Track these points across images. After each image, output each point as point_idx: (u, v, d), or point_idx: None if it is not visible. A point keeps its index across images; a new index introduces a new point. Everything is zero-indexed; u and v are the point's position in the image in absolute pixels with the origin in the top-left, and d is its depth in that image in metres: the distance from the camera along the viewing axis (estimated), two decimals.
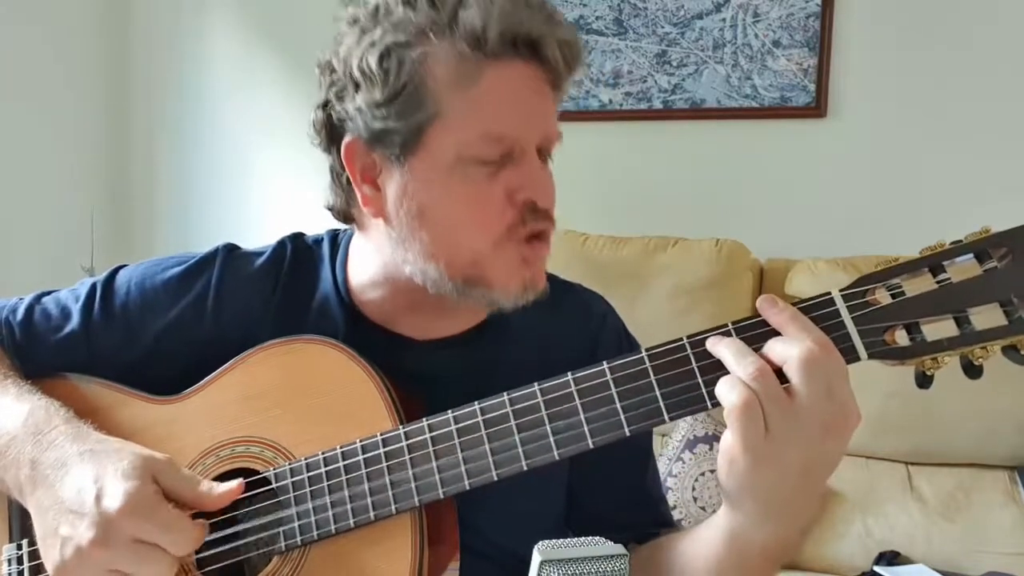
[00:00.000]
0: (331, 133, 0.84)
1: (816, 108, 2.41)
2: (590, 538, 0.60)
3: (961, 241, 0.68)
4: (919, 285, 0.68)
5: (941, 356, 0.67)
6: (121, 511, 0.70)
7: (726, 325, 0.70)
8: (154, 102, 3.11)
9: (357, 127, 0.80)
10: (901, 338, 0.68)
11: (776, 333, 0.68)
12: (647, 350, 0.71)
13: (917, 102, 2.34)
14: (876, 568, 1.91)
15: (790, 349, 0.65)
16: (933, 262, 0.68)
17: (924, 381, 0.69)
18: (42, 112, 2.83)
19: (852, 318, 0.68)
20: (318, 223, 0.98)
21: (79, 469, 0.75)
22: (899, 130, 2.37)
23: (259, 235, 1.04)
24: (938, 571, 1.87)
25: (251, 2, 2.97)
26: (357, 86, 0.79)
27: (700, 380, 0.70)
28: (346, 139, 0.82)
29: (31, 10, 2.77)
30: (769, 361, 0.66)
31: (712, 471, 2.08)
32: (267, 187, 2.99)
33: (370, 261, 0.88)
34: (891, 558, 1.94)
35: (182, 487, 0.75)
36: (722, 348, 0.68)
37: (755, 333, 0.69)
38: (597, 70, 2.60)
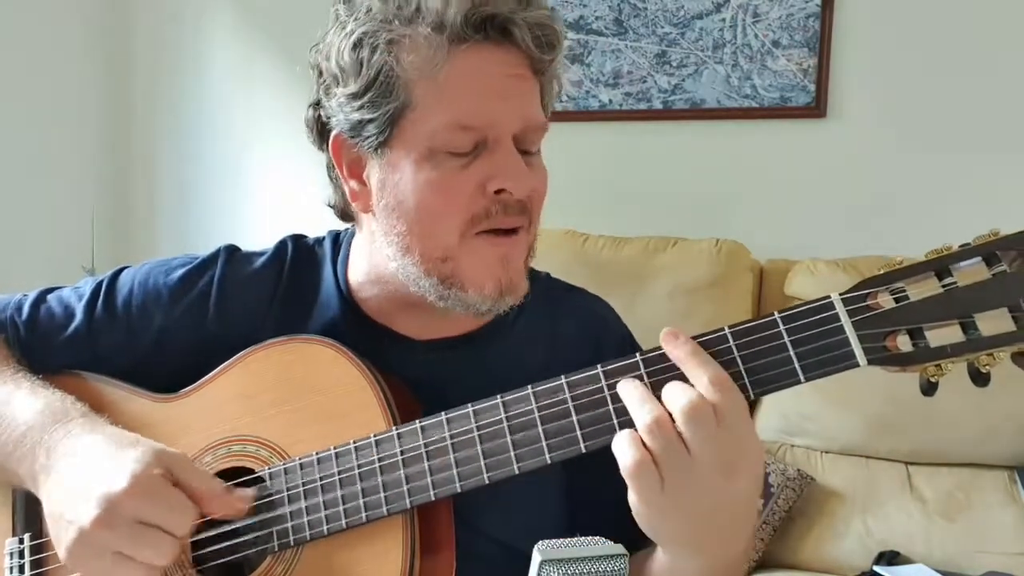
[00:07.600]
0: (322, 130, 0.85)
1: (816, 108, 2.41)
2: (590, 538, 0.60)
3: (969, 244, 0.65)
4: (924, 289, 0.66)
5: (945, 363, 0.65)
6: (125, 491, 0.71)
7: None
8: (154, 103, 3.11)
9: (340, 121, 0.81)
10: (903, 344, 0.66)
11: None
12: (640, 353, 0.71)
13: (917, 102, 2.34)
14: (876, 568, 1.91)
15: (678, 397, 0.64)
16: (939, 265, 0.65)
17: (929, 388, 0.67)
18: (42, 112, 2.83)
19: (852, 323, 0.66)
20: (317, 223, 0.99)
21: (90, 457, 0.75)
22: (899, 130, 2.36)
23: (259, 235, 1.04)
24: (938, 571, 1.87)
25: (251, 4, 2.97)
26: (337, 80, 0.79)
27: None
28: (332, 134, 0.83)
29: (32, 10, 2.77)
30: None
31: None
32: (267, 187, 2.99)
33: (364, 258, 0.88)
34: (891, 558, 1.94)
35: (195, 481, 0.75)
36: (625, 393, 0.68)
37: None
38: (597, 70, 2.60)
